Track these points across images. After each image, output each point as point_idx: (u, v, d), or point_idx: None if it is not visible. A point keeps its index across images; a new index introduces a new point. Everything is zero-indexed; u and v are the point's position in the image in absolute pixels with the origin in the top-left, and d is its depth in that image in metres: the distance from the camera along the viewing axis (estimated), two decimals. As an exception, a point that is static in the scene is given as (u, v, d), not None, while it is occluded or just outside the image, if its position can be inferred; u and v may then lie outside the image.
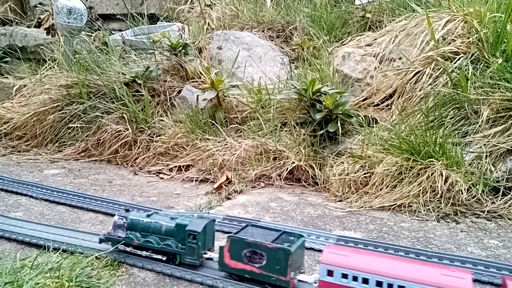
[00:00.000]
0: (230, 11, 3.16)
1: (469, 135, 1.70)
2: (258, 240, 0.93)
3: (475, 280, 1.02)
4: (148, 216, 1.09)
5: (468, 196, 1.49)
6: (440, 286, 0.74)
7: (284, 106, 2.10)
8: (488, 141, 1.62)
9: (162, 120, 2.26)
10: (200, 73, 2.47)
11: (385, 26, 2.40)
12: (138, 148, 2.21)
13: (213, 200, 1.64)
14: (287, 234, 0.99)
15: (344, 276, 0.82)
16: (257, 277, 0.93)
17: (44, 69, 2.87)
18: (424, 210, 1.47)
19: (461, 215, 1.45)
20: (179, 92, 2.41)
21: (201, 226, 1.01)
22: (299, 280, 0.93)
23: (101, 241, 1.10)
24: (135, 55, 2.70)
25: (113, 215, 1.45)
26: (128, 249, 1.08)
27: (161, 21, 3.38)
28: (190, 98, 2.31)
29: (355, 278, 0.80)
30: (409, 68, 2.01)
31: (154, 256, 1.06)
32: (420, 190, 1.52)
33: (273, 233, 0.98)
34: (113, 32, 3.44)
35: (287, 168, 1.82)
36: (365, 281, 0.80)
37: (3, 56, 3.53)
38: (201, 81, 2.38)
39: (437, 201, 1.49)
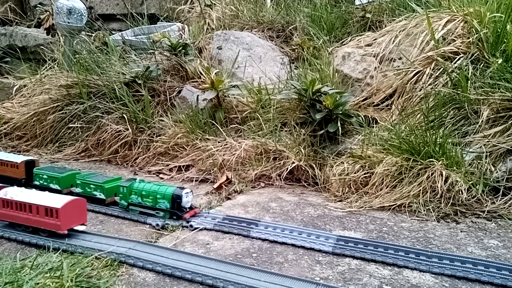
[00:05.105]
0: (230, 11, 3.16)
1: (469, 135, 1.70)
2: None
3: (475, 280, 1.02)
4: None
5: (468, 196, 1.49)
6: None
7: (284, 106, 2.10)
8: (488, 141, 1.62)
9: (162, 120, 2.26)
10: (200, 73, 2.47)
11: (385, 26, 2.40)
12: (138, 148, 2.21)
13: (213, 200, 1.64)
14: None
15: None
16: None
17: (44, 69, 2.87)
18: (424, 210, 1.47)
19: (461, 215, 1.45)
20: (179, 92, 2.41)
21: None
22: None
23: None
24: (135, 55, 2.70)
25: (113, 215, 1.46)
26: None
27: (161, 21, 3.38)
28: (190, 98, 2.31)
29: None
30: (409, 68, 2.01)
31: None
32: (420, 190, 1.52)
33: None
34: (113, 32, 3.44)
35: (287, 168, 1.82)
36: None
37: (3, 56, 3.54)
38: (201, 81, 2.38)
39: (437, 201, 1.49)
